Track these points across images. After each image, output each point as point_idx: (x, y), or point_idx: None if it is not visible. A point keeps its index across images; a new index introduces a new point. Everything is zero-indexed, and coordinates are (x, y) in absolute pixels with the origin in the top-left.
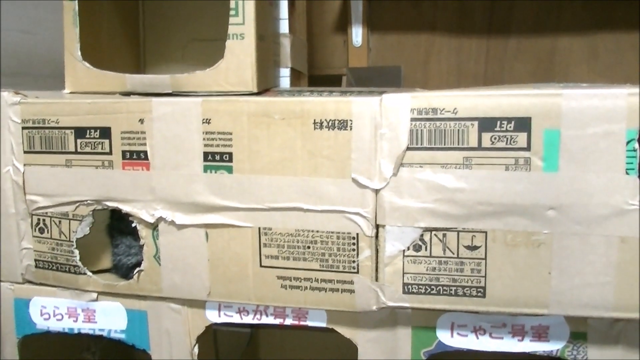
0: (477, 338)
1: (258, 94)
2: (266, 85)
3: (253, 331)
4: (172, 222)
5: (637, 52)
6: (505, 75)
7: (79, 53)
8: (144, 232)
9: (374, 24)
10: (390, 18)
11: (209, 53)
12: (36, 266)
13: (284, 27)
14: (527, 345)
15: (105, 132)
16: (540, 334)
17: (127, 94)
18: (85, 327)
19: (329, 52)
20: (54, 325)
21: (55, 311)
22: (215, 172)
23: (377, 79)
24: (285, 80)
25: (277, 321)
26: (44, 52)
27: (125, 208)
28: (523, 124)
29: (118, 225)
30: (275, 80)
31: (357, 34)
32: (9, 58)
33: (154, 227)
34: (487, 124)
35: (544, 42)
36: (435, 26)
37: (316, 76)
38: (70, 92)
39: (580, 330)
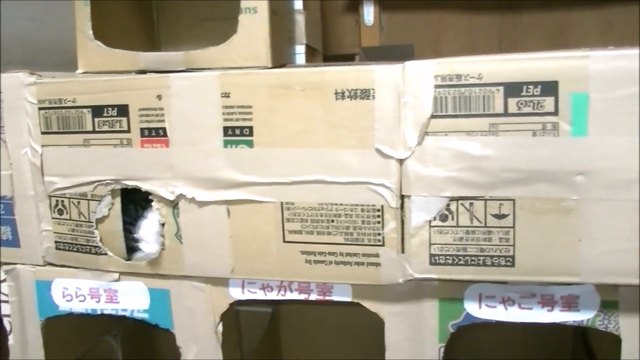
0: (506, 309)
1: (272, 69)
2: (281, 61)
3: (274, 310)
4: (192, 199)
5: None
6: (519, 52)
7: (91, 32)
8: (164, 211)
9: (385, 3)
10: None
11: (224, 32)
12: (56, 248)
13: (298, 3)
14: (557, 316)
15: (123, 110)
16: (570, 304)
17: (140, 72)
18: (108, 308)
19: (341, 31)
20: (77, 307)
21: (77, 292)
22: (236, 147)
23: (390, 57)
24: (300, 57)
25: (302, 296)
26: (51, 40)
27: (144, 186)
28: (550, 88)
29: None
30: (290, 58)
31: (369, 12)
32: (15, 47)
33: (174, 205)
34: (513, 89)
35: (556, 17)
36: (446, 4)
37: (329, 56)
38: (83, 72)
39: (611, 299)
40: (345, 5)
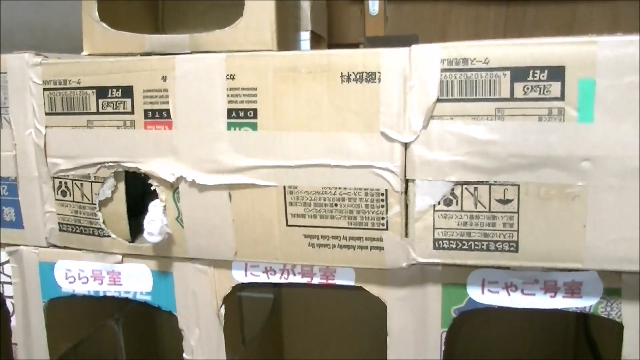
0: (509, 295)
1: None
2: (286, 47)
3: (276, 296)
4: (193, 183)
5: None
6: None
7: (97, 14)
8: (163, 195)
9: None
10: None
11: (230, 18)
12: (60, 229)
13: None
14: (560, 302)
15: (127, 91)
16: (573, 290)
17: (146, 54)
18: (111, 290)
19: (345, 21)
20: (79, 289)
21: (80, 274)
22: (240, 129)
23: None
24: (305, 44)
25: (305, 280)
26: (57, 26)
27: (144, 168)
28: (557, 73)
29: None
30: (295, 44)
31: (374, 2)
32: (20, 32)
33: (174, 189)
34: (519, 73)
35: (563, 9)
36: None
37: (333, 45)
38: (89, 54)
39: (614, 286)
40: None
